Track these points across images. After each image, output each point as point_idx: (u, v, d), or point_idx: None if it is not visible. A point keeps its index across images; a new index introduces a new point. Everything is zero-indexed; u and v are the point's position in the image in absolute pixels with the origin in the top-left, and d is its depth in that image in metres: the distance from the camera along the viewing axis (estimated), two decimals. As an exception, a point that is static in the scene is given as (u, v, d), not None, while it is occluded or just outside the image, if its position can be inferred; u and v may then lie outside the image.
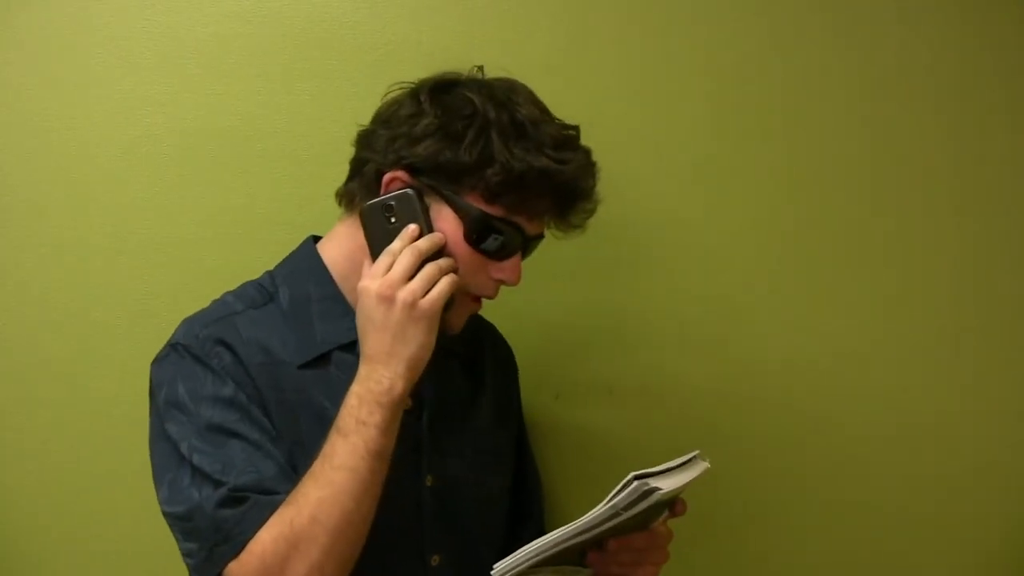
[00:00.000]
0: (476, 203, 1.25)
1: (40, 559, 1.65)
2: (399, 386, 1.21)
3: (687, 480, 1.20)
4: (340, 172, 1.61)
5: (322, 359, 1.30)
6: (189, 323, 1.32)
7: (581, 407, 1.65)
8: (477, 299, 1.32)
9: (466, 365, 1.43)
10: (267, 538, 1.17)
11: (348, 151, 1.60)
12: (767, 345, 1.66)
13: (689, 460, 1.24)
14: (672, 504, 1.27)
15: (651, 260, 1.65)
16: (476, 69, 1.34)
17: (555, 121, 1.30)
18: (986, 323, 1.63)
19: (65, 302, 1.63)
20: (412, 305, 1.21)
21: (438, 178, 1.25)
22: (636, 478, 1.13)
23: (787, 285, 1.65)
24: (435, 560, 1.32)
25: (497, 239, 1.26)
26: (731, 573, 1.69)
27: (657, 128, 1.64)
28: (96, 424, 1.64)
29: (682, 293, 1.66)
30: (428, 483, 1.32)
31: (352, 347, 1.28)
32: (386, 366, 1.21)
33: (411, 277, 1.23)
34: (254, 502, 1.19)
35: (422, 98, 1.29)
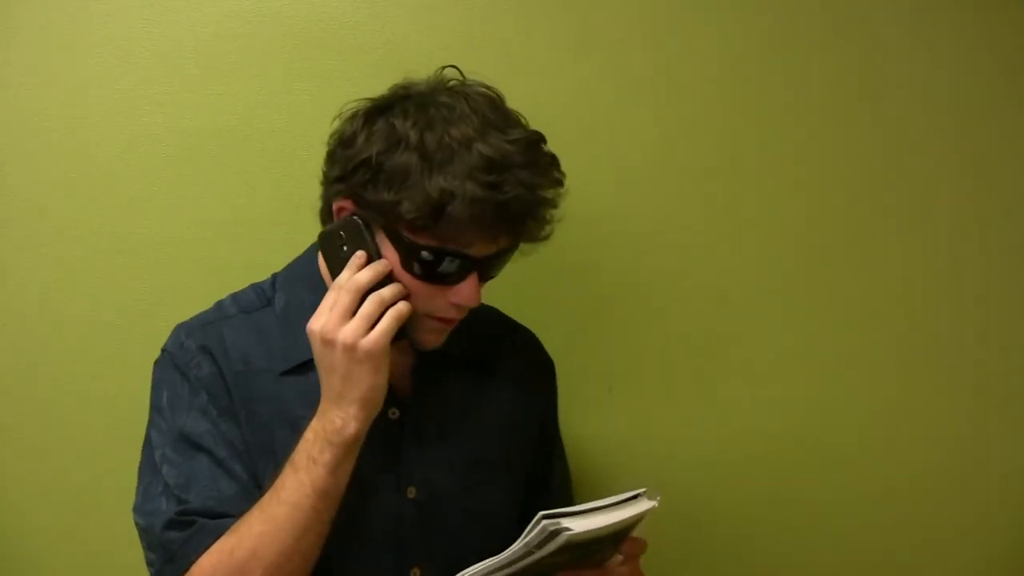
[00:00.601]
0: (407, 233, 1.21)
1: (40, 559, 1.65)
2: (351, 427, 1.19)
3: (614, 520, 1.15)
4: (340, 172, 1.62)
5: (304, 366, 1.27)
6: (179, 329, 1.34)
7: (580, 405, 1.65)
8: (448, 320, 1.27)
9: (472, 372, 1.37)
10: (207, 565, 1.19)
11: (348, 151, 1.61)
12: (769, 343, 1.66)
13: (630, 498, 1.18)
14: (619, 542, 1.21)
15: (650, 258, 1.65)
16: (440, 71, 1.30)
17: (503, 134, 1.21)
18: (988, 322, 1.62)
19: (65, 302, 1.63)
20: (352, 347, 1.18)
21: (370, 209, 1.22)
22: (544, 517, 1.11)
23: (790, 284, 1.65)
24: (415, 572, 1.30)
25: (438, 267, 1.22)
26: (733, 570, 1.69)
27: (657, 128, 1.64)
28: (96, 424, 1.64)
29: (683, 291, 1.66)
30: (410, 495, 1.30)
31: None
32: (338, 406, 1.20)
33: (354, 313, 1.20)
34: (199, 527, 1.21)
35: (355, 123, 1.26)
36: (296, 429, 1.23)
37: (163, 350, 1.32)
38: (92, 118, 1.61)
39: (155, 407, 1.30)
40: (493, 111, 1.24)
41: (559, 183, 1.24)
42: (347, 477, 1.21)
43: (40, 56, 1.60)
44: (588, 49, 1.61)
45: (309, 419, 1.22)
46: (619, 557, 1.23)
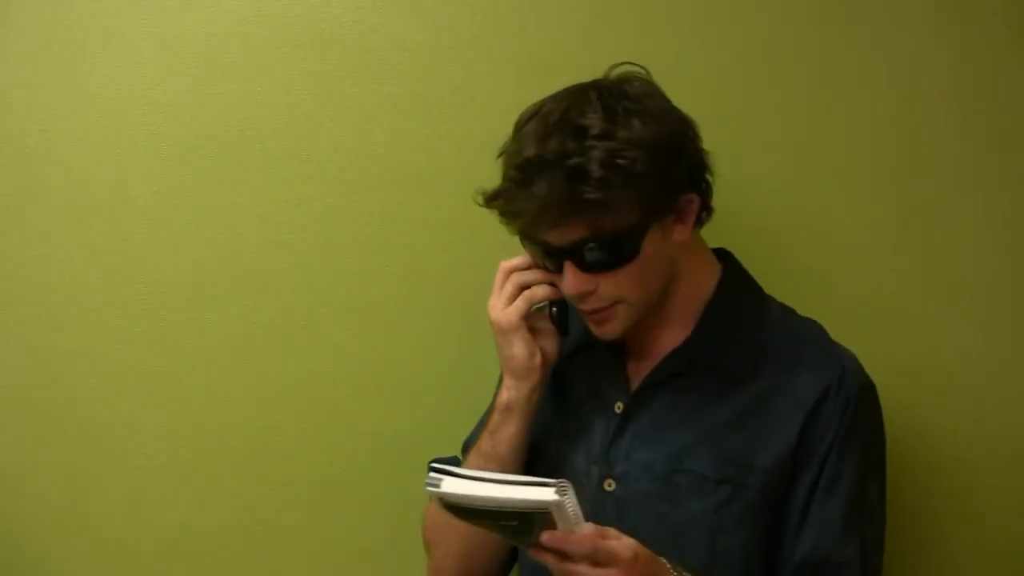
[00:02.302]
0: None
1: (40, 559, 1.65)
2: (504, 395, 1.33)
3: (497, 496, 1.10)
4: (340, 172, 1.62)
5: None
6: None
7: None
8: (593, 311, 1.29)
9: (721, 380, 1.31)
10: (430, 505, 1.39)
11: (348, 151, 1.61)
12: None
13: (536, 483, 1.10)
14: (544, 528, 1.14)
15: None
16: (612, 67, 1.32)
17: (541, 121, 1.25)
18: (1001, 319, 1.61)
19: (65, 302, 1.63)
20: (493, 321, 1.32)
21: None
22: (432, 466, 1.12)
23: (792, 283, 1.64)
24: None
25: (541, 256, 1.29)
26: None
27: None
28: (96, 423, 1.64)
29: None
30: (608, 488, 1.32)
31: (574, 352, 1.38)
32: (503, 374, 1.35)
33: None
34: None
35: None
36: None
37: None
38: (92, 118, 1.61)
39: None
40: (567, 111, 1.25)
41: (582, 153, 1.21)
42: (508, 443, 1.33)
43: (40, 56, 1.61)
44: (588, 48, 1.60)
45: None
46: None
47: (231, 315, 1.63)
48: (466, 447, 1.45)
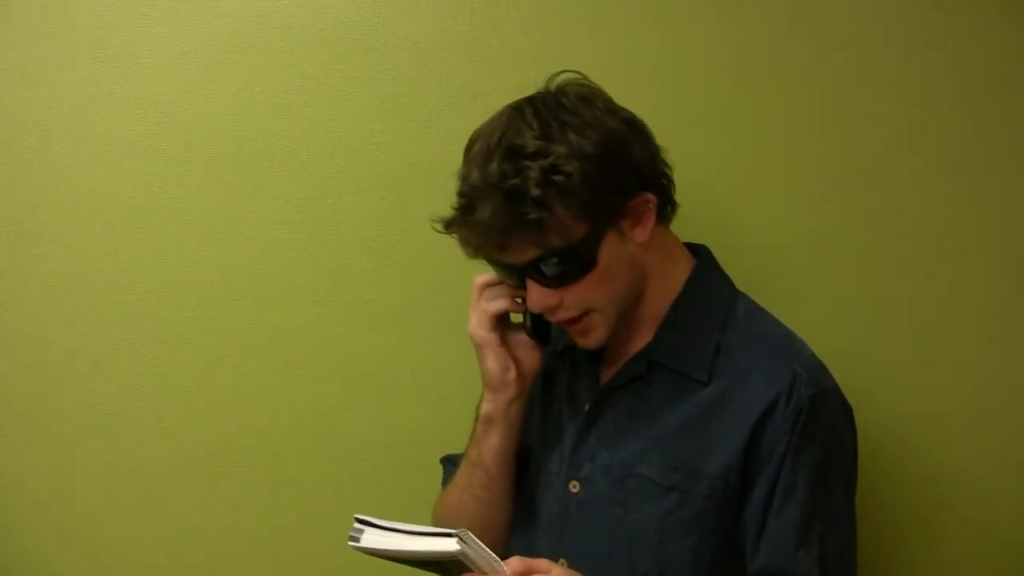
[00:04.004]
0: None
1: (40, 559, 1.65)
2: (484, 407, 1.35)
3: (409, 549, 1.15)
4: (340, 172, 1.62)
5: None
6: None
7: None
8: (568, 321, 1.29)
9: (679, 382, 1.30)
10: (441, 498, 1.44)
11: (348, 151, 1.61)
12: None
13: (442, 534, 1.16)
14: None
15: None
16: (551, 78, 1.31)
17: (486, 161, 1.23)
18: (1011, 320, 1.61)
19: (65, 302, 1.63)
20: (470, 335, 1.34)
21: None
22: (357, 519, 1.18)
23: (796, 282, 1.64)
24: (562, 563, 1.27)
25: (502, 273, 1.30)
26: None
27: (660, 128, 1.62)
28: (96, 423, 1.64)
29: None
30: (573, 489, 1.33)
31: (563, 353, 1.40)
32: (483, 387, 1.36)
33: None
34: (444, 468, 1.48)
35: None
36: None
37: None
38: (92, 118, 1.61)
39: None
40: (507, 124, 1.25)
41: (518, 174, 1.20)
42: (492, 453, 1.35)
43: (40, 56, 1.61)
44: (588, 47, 1.61)
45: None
46: None
47: (231, 315, 1.63)
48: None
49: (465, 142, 1.51)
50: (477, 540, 1.15)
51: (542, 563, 1.18)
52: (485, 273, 1.33)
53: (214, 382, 1.64)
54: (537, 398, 1.40)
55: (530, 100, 1.27)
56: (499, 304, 1.32)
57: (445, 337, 1.62)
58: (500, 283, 1.32)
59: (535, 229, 1.21)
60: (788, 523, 1.24)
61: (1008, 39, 1.56)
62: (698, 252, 1.37)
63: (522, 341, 1.35)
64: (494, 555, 1.16)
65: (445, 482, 1.46)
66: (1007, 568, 1.62)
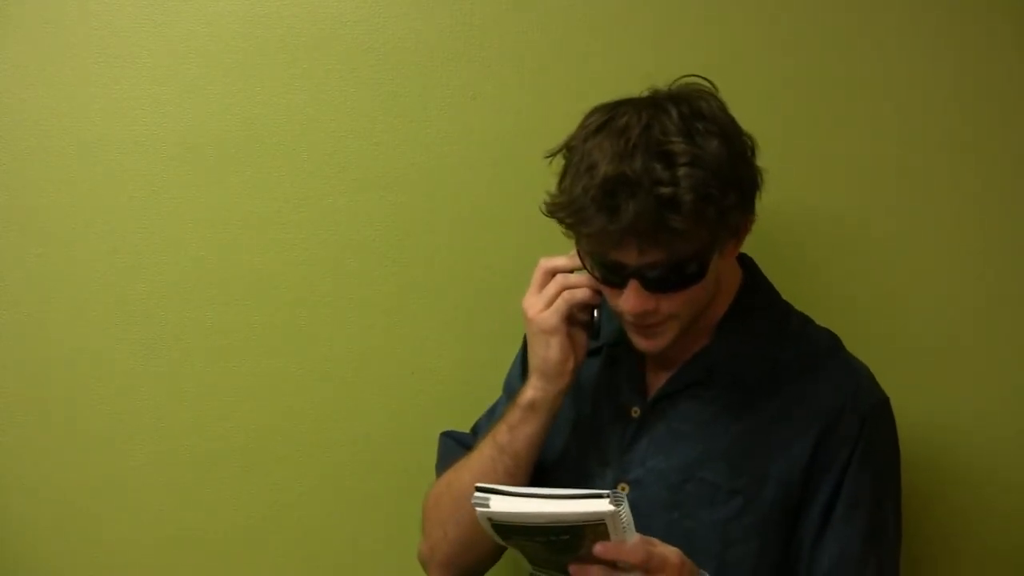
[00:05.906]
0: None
1: (39, 559, 1.65)
2: (528, 392, 1.31)
3: (550, 511, 1.10)
4: (340, 172, 1.62)
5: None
6: None
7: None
8: (638, 327, 1.28)
9: (740, 392, 1.31)
10: (438, 481, 1.41)
11: (348, 151, 1.61)
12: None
13: (590, 496, 1.11)
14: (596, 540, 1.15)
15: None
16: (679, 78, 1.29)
17: (625, 139, 1.19)
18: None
19: (65, 302, 1.63)
20: (530, 320, 1.31)
21: None
22: (478, 488, 1.13)
23: (798, 282, 1.63)
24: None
25: (601, 271, 1.26)
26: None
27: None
28: (96, 423, 1.64)
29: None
30: (622, 492, 1.30)
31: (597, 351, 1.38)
32: (530, 373, 1.33)
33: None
34: (450, 447, 1.46)
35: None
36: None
37: None
38: (92, 118, 1.61)
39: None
40: (631, 127, 1.21)
41: (674, 182, 1.17)
42: (527, 441, 1.32)
43: (40, 56, 1.61)
44: (587, 47, 1.60)
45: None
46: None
47: (231, 315, 1.63)
48: (476, 430, 1.46)
49: (465, 142, 1.52)
50: (628, 502, 1.11)
51: (655, 539, 1.17)
52: (551, 256, 1.31)
53: (214, 382, 1.64)
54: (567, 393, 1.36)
55: (670, 97, 1.24)
56: (582, 294, 1.29)
57: (445, 337, 1.62)
58: (575, 269, 1.30)
59: (674, 236, 1.18)
60: (855, 531, 1.27)
61: (1008, 39, 1.57)
62: (743, 260, 1.38)
63: (577, 333, 1.32)
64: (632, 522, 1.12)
65: (444, 458, 1.44)
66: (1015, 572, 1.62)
